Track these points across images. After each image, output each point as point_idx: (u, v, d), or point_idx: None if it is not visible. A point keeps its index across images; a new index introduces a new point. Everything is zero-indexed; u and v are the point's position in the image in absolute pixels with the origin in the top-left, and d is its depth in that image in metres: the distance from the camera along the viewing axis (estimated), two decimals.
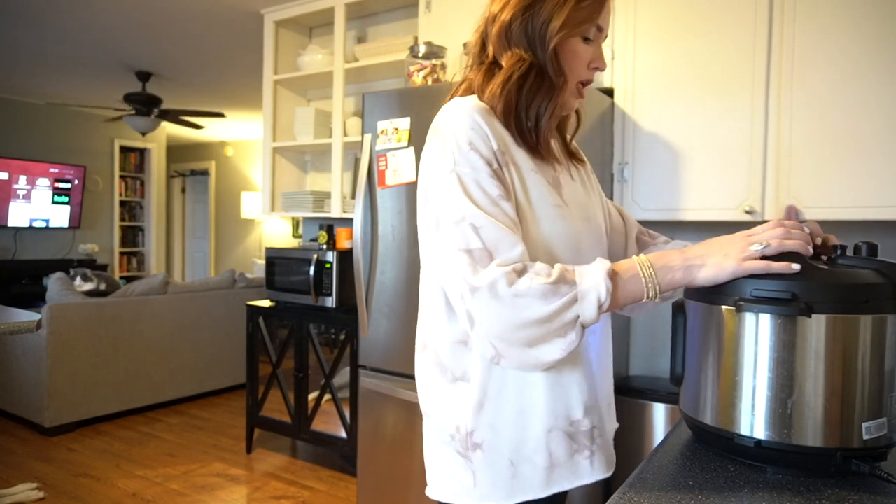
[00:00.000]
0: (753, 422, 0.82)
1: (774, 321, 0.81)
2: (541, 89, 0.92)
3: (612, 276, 0.82)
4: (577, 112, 1.07)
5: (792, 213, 2.01)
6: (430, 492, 1.01)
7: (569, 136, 1.08)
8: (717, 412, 0.87)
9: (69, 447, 3.47)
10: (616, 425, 1.09)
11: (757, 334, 0.82)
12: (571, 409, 0.93)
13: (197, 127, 5.75)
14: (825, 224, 2.15)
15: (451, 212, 0.85)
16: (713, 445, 0.89)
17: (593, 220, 1.02)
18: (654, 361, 2.55)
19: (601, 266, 0.82)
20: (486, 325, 0.82)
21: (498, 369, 0.91)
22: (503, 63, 0.94)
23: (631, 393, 2.28)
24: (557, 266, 0.83)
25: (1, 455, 3.31)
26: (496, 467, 0.92)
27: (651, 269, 0.83)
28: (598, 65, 0.97)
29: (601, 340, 1.03)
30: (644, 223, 2.48)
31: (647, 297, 0.83)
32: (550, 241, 0.91)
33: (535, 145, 0.94)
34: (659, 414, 2.22)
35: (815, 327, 0.79)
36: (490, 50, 0.98)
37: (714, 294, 0.86)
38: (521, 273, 0.81)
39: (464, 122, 0.88)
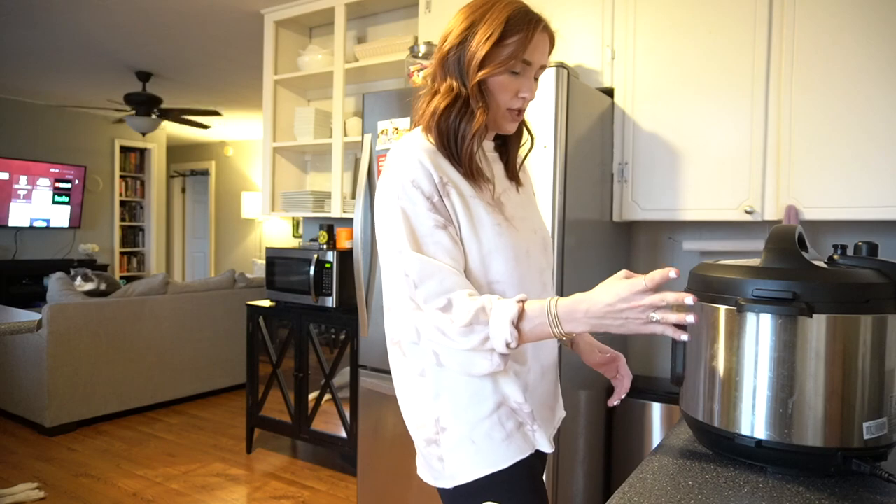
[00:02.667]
0: (754, 422, 0.82)
1: (775, 321, 0.81)
2: (464, 118, 1.02)
3: (519, 320, 0.90)
4: (528, 131, 1.17)
5: (792, 213, 2.01)
6: (419, 473, 1.13)
7: (521, 155, 1.19)
8: (718, 412, 0.87)
9: (69, 447, 3.47)
10: (563, 413, 1.24)
11: (757, 334, 0.82)
12: (514, 393, 1.03)
13: (203, 126, 5.73)
14: (825, 224, 2.15)
15: (394, 241, 0.99)
16: (714, 445, 0.89)
17: (539, 231, 1.16)
18: (652, 361, 2.55)
19: (510, 312, 0.90)
20: (429, 342, 0.96)
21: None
22: (440, 91, 1.05)
23: (630, 393, 2.27)
24: (477, 302, 0.92)
25: (1, 455, 3.31)
26: (460, 446, 1.03)
27: (558, 322, 0.90)
28: (525, 95, 1.04)
29: (543, 349, 1.12)
30: (644, 223, 2.49)
31: (555, 337, 0.92)
32: (492, 254, 1.02)
33: (466, 169, 1.03)
34: (658, 414, 2.22)
35: (816, 327, 0.79)
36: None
37: (715, 294, 0.86)
38: (445, 310, 0.93)
39: (410, 162, 1.00)
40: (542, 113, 1.89)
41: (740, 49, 2.10)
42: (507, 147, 1.17)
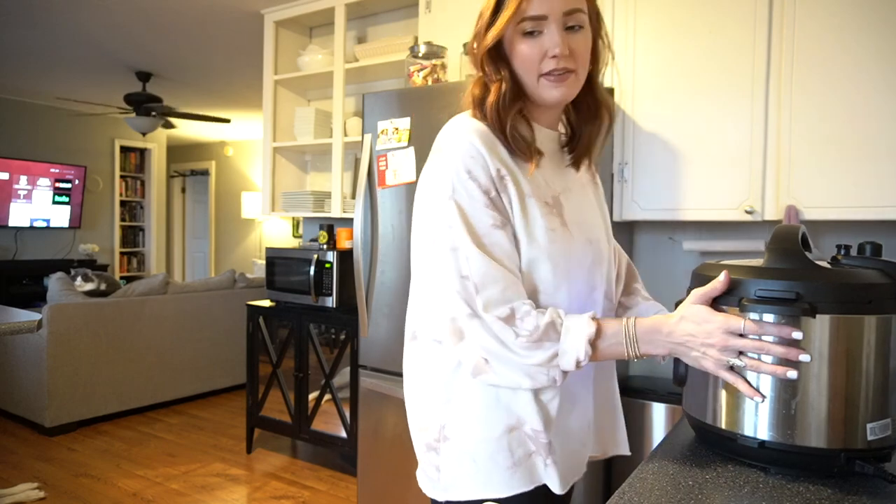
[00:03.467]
0: (757, 422, 0.82)
1: (778, 321, 0.80)
2: (510, 100, 0.94)
3: (595, 339, 0.86)
4: (599, 104, 1.02)
5: (792, 213, 2.01)
6: (417, 477, 1.07)
7: (599, 138, 1.05)
8: (721, 413, 0.86)
9: (69, 447, 3.47)
10: (591, 452, 1.08)
11: (760, 334, 0.81)
12: (532, 419, 0.94)
13: (224, 121, 5.61)
14: (825, 224, 2.14)
15: (447, 239, 0.90)
16: (717, 446, 0.89)
17: (595, 242, 1.03)
18: (653, 361, 2.55)
19: (586, 329, 0.86)
20: (480, 350, 0.88)
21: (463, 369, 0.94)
22: (489, 81, 0.96)
23: (631, 393, 2.28)
24: (545, 316, 0.87)
25: (1, 455, 3.31)
26: (460, 461, 0.95)
27: (636, 342, 0.87)
28: (554, 52, 0.91)
29: (591, 372, 1.03)
30: (644, 223, 2.48)
31: (627, 358, 0.89)
32: (539, 261, 0.93)
33: (524, 156, 0.95)
34: (659, 414, 2.22)
35: (819, 327, 0.79)
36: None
37: (723, 295, 0.86)
38: (508, 321, 0.86)
39: (463, 149, 0.91)
40: None
41: (740, 49, 2.10)
42: (576, 132, 1.04)
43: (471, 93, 0.97)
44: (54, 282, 3.84)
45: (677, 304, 0.94)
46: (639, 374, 2.55)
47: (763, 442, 0.81)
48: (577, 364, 0.86)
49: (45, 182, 6.40)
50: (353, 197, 3.16)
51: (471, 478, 0.94)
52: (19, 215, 6.23)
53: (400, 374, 2.29)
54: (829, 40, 1.97)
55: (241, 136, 8.17)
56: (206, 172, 8.85)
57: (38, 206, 6.37)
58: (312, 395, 3.20)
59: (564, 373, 0.87)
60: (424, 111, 2.19)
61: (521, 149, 0.94)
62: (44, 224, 6.44)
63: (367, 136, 2.32)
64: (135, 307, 4.00)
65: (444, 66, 2.51)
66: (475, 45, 0.96)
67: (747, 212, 2.09)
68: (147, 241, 7.66)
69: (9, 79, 5.41)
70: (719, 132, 2.15)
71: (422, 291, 0.99)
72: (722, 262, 0.93)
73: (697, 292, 0.85)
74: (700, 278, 0.92)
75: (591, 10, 0.96)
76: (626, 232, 2.52)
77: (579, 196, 1.04)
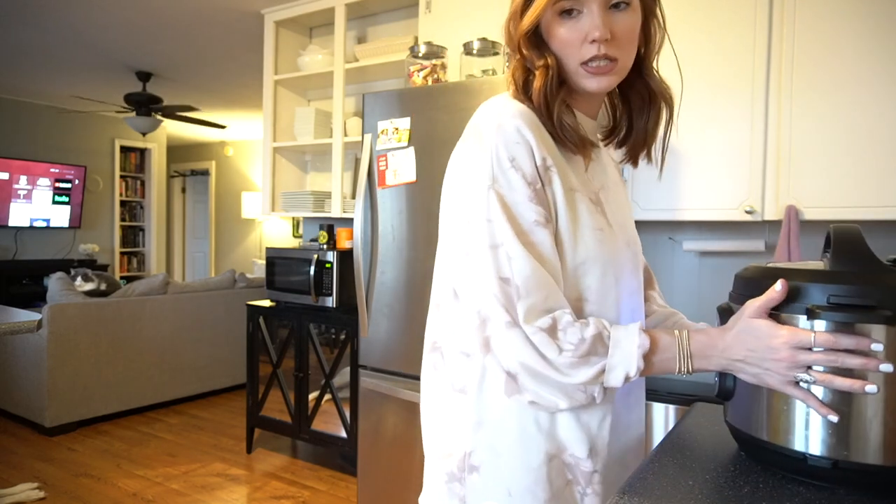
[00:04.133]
0: (830, 442, 0.75)
1: (850, 330, 0.72)
2: (556, 86, 0.84)
3: (648, 355, 0.78)
4: (655, 93, 0.92)
5: (792, 213, 2.01)
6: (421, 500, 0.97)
7: (657, 129, 0.94)
8: (786, 430, 0.78)
9: (69, 447, 3.47)
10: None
11: (834, 347, 0.73)
12: (575, 445, 0.84)
13: (220, 126, 5.66)
14: (825, 224, 2.15)
15: (487, 235, 0.79)
16: (776, 465, 0.82)
17: (633, 244, 0.93)
18: None
19: (637, 343, 0.77)
20: (514, 364, 0.78)
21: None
22: (532, 66, 0.86)
23: None
24: (590, 328, 0.78)
25: (1, 455, 3.31)
26: (491, 495, 0.84)
27: (689, 358, 0.79)
28: (594, 35, 0.80)
29: (632, 389, 0.96)
30: (644, 223, 2.48)
31: (677, 373, 0.81)
32: (587, 265, 0.83)
33: (574, 148, 0.85)
34: (659, 414, 2.22)
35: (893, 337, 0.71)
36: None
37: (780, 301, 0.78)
38: (551, 333, 0.76)
39: (507, 133, 0.80)
40: None
41: (741, 48, 2.10)
42: (619, 123, 0.93)
43: (511, 76, 0.87)
44: (54, 282, 3.84)
45: (719, 310, 0.89)
46: None
47: (837, 462, 0.74)
48: (626, 380, 0.77)
49: (45, 182, 6.40)
50: (353, 197, 3.17)
51: None
52: (19, 215, 6.24)
53: (400, 374, 2.30)
54: (830, 40, 1.97)
55: (241, 136, 8.17)
56: (206, 172, 8.85)
57: (38, 206, 6.37)
58: (312, 395, 3.20)
59: (605, 389, 0.80)
60: (424, 111, 2.19)
61: (571, 139, 0.83)
62: (44, 224, 6.44)
63: (367, 136, 2.32)
64: (135, 307, 4.00)
65: (444, 66, 2.51)
66: (511, 28, 0.85)
67: (747, 212, 2.09)
68: (147, 241, 7.66)
69: (8, 79, 5.41)
70: (719, 132, 2.15)
71: (448, 295, 0.87)
72: (769, 265, 0.86)
73: (753, 304, 0.76)
74: (751, 283, 0.85)
75: None
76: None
77: (615, 194, 0.94)
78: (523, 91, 0.85)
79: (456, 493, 0.86)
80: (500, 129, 0.80)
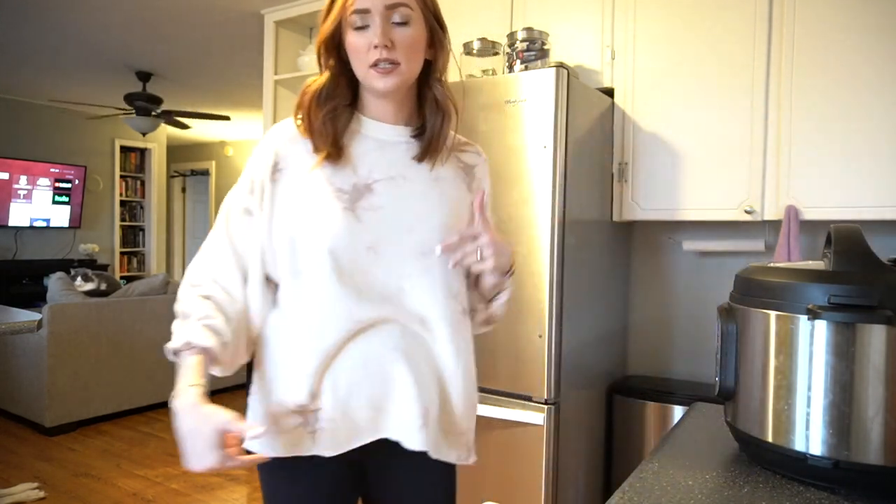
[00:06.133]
0: (832, 442, 0.76)
1: (851, 330, 0.73)
2: (329, 92, 1.03)
3: (178, 356, 0.92)
4: (440, 100, 1.05)
5: (792, 213, 2.01)
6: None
7: (442, 132, 1.05)
8: (787, 430, 0.79)
9: (69, 447, 3.47)
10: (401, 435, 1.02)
11: (832, 344, 0.75)
12: (297, 388, 1.00)
13: (224, 118, 5.62)
14: (825, 224, 2.15)
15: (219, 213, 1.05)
16: (776, 465, 0.83)
17: (415, 231, 1.01)
18: (651, 362, 2.55)
19: (183, 342, 0.92)
20: None
21: (262, 339, 1.05)
22: (325, 66, 1.06)
23: (629, 393, 2.28)
24: (200, 308, 0.95)
25: (1, 455, 3.31)
26: (255, 413, 1.08)
27: (177, 391, 0.89)
28: (375, 42, 0.96)
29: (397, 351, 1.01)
30: (644, 223, 2.48)
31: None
32: (322, 243, 0.96)
33: (329, 151, 1.00)
34: (657, 414, 2.22)
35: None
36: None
37: (780, 301, 0.79)
38: (185, 292, 0.98)
39: (261, 142, 1.07)
40: (541, 113, 1.89)
41: (740, 49, 2.10)
42: (424, 123, 1.06)
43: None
44: (54, 282, 3.84)
45: (719, 310, 0.88)
46: (638, 374, 2.55)
47: (838, 462, 0.75)
48: (174, 353, 0.93)
49: (45, 182, 6.39)
50: None
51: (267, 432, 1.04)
52: (19, 215, 6.23)
53: None
54: (830, 40, 1.97)
55: (241, 136, 8.17)
56: (206, 172, 8.85)
57: (38, 206, 6.37)
58: None
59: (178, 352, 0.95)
60: None
61: (320, 141, 1.02)
62: (44, 224, 6.44)
63: None
64: (135, 307, 4.00)
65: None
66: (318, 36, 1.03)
67: (747, 212, 2.09)
68: (147, 241, 7.66)
69: (9, 79, 5.41)
70: (719, 132, 2.15)
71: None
72: (769, 265, 0.86)
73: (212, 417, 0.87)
74: (752, 283, 0.85)
75: (420, 4, 1.00)
76: (625, 232, 2.53)
77: (419, 184, 1.04)
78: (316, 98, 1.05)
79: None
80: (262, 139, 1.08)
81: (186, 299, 0.97)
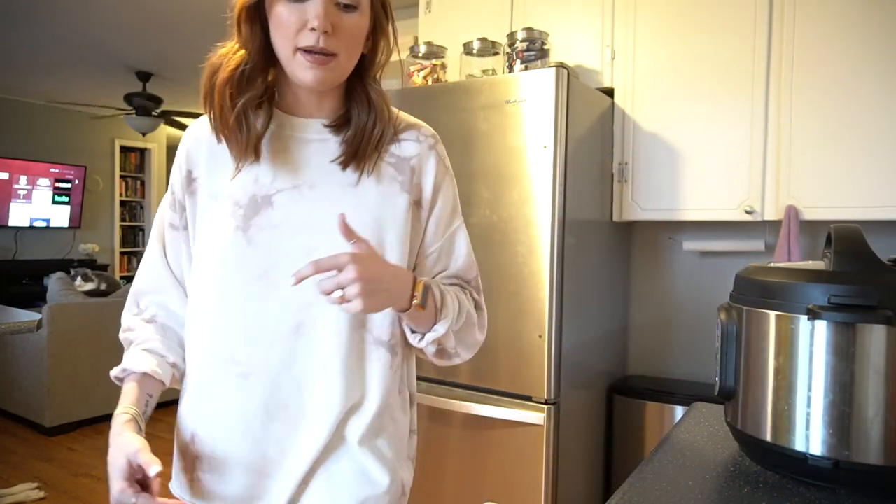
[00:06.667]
0: (832, 441, 0.76)
1: (851, 330, 0.73)
2: (247, 78, 0.84)
3: (123, 380, 0.91)
4: (371, 100, 0.87)
5: (792, 213, 2.01)
6: None
7: (369, 137, 0.86)
8: (787, 430, 0.79)
9: (69, 447, 3.47)
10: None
11: (832, 344, 0.75)
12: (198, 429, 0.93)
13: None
14: (825, 224, 2.15)
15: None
16: (776, 465, 0.83)
17: (317, 252, 0.79)
18: (651, 362, 2.55)
19: (121, 369, 0.91)
20: None
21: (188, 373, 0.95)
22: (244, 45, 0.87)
23: (629, 393, 2.28)
24: (140, 332, 0.91)
25: (1, 455, 3.31)
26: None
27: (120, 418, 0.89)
28: (313, 24, 0.77)
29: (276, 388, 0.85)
30: (644, 223, 2.48)
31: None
32: (213, 269, 0.85)
33: (239, 146, 0.84)
34: (657, 414, 2.22)
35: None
36: None
37: (780, 301, 0.78)
38: (129, 318, 0.93)
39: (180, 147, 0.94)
40: (541, 113, 1.89)
41: (741, 49, 2.10)
42: (350, 122, 0.87)
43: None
44: (54, 282, 3.84)
45: (719, 310, 0.88)
46: (638, 374, 2.55)
47: (838, 462, 0.74)
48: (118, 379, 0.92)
49: (44, 182, 6.39)
50: None
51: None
52: (19, 215, 6.23)
53: None
54: (830, 40, 1.97)
55: None
56: None
57: (38, 206, 6.37)
58: None
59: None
60: (424, 111, 2.18)
61: (234, 143, 0.85)
62: (44, 224, 6.44)
63: None
64: None
65: (444, 66, 2.51)
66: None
67: (747, 212, 2.09)
68: (147, 241, 7.66)
69: (9, 78, 5.41)
70: (719, 132, 2.15)
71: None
72: (769, 265, 0.86)
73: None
74: (752, 283, 0.85)
75: None
76: (625, 232, 2.53)
77: (334, 193, 0.86)
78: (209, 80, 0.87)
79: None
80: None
81: (127, 325, 0.93)
